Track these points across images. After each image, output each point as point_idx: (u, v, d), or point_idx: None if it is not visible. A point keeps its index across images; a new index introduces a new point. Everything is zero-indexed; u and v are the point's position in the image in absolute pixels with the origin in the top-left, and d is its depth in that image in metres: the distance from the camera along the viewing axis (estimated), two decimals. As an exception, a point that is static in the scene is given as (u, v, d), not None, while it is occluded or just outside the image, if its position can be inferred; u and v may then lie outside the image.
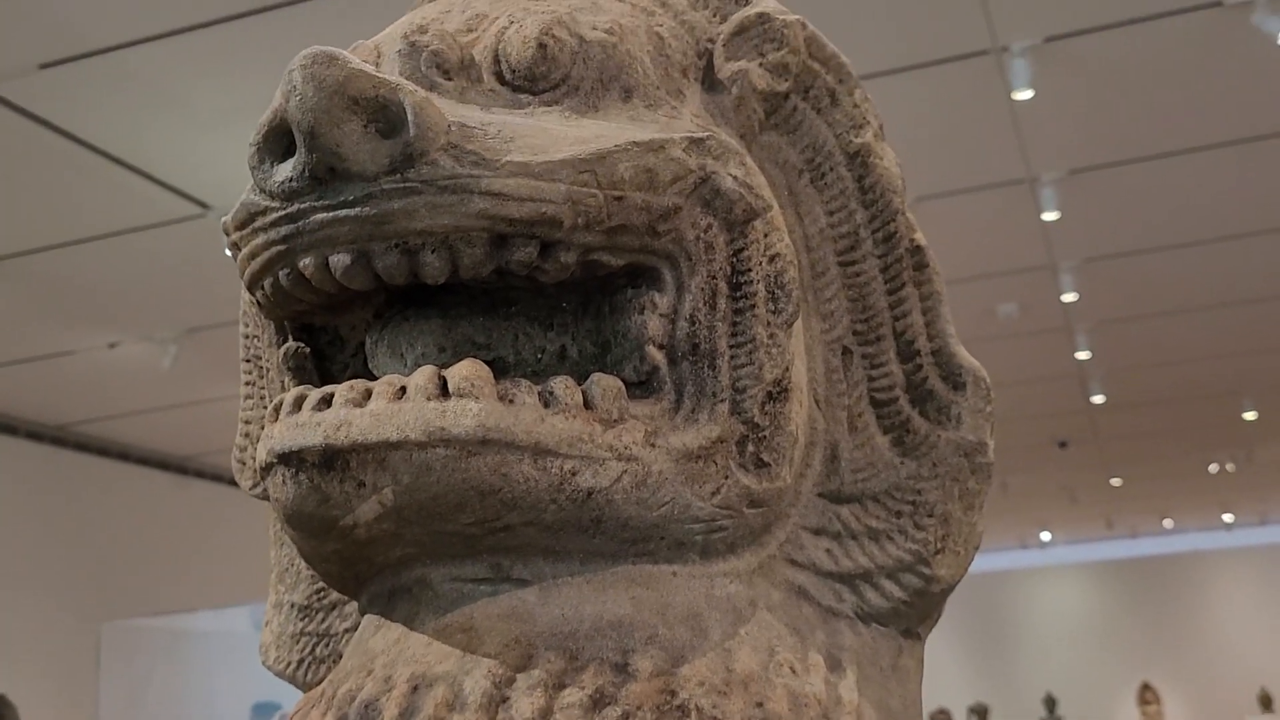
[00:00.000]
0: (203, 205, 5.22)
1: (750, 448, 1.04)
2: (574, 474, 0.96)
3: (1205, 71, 4.54)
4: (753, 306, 1.04)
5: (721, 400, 1.03)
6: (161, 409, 8.21)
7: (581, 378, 1.00)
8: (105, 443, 8.98)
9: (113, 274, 5.98)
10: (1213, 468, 12.85)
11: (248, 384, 1.29)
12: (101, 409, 8.24)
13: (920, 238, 1.15)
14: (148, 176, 4.95)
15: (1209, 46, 4.33)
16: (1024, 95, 4.46)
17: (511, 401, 0.95)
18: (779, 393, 1.05)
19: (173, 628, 9.35)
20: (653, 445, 0.99)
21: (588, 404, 0.98)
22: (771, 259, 1.05)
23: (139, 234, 5.48)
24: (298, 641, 1.28)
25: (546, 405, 0.96)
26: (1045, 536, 17.30)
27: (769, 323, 1.05)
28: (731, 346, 1.04)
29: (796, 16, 1.14)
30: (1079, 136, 5.01)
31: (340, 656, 1.22)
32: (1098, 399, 9.22)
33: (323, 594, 1.27)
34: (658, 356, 1.02)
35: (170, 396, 7.89)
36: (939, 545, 1.12)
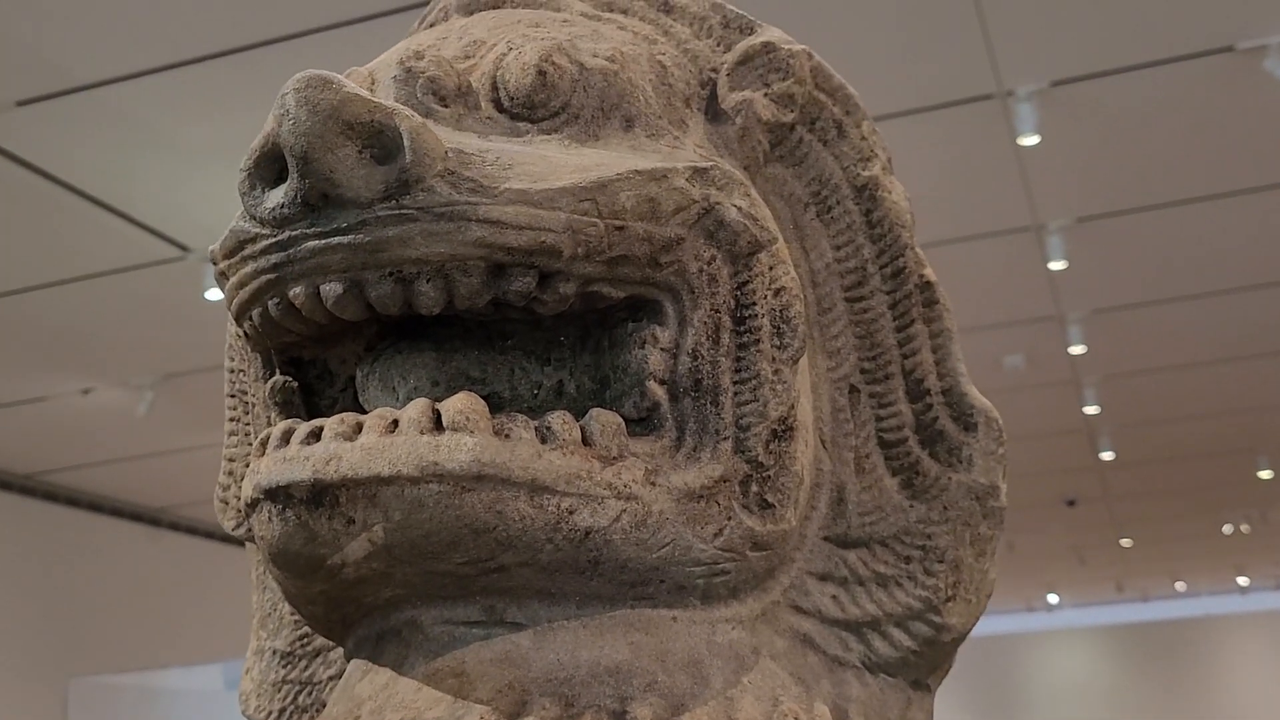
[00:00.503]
0: (182, 248, 5.18)
1: (754, 488, 1.01)
2: (571, 512, 0.93)
3: (1217, 118, 4.51)
4: (757, 341, 1.02)
5: (724, 438, 1.00)
6: (136, 458, 8.10)
7: (580, 414, 0.98)
8: (76, 492, 8.87)
9: (88, 317, 5.91)
10: (1226, 528, 12.75)
11: (232, 420, 1.26)
12: (73, 457, 8.13)
13: (930, 273, 1.12)
14: (126, 217, 4.91)
15: (1221, 92, 4.30)
16: (1030, 141, 4.43)
17: (508, 436, 0.93)
18: (784, 431, 1.03)
19: (143, 685, 9.20)
20: (653, 484, 0.97)
21: (586, 440, 0.96)
22: (776, 293, 1.03)
23: (116, 276, 5.42)
24: (279, 690, 1.25)
25: (544, 441, 0.94)
26: (1053, 599, 17.17)
27: (774, 358, 1.02)
28: (735, 383, 1.01)
29: (802, 46, 1.13)
30: (1086, 183, 5.00)
31: (323, 705, 1.19)
32: (1107, 455, 9.16)
33: (306, 640, 1.24)
34: (659, 392, 1.00)
35: (145, 445, 7.79)
36: (950, 592, 1.09)
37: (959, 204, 5.07)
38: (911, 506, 1.10)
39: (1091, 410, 7.97)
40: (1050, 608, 17.50)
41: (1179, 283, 6.06)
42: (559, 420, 0.95)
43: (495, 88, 1.04)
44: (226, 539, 9.04)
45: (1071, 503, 10.78)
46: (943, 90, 4.28)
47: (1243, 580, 16.53)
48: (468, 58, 1.06)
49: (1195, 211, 5.24)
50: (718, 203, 1.01)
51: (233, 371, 1.26)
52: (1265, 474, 10.10)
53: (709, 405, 1.00)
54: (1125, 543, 13.12)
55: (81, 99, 4.07)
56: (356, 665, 1.02)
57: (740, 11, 1.16)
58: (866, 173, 1.12)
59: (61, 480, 8.65)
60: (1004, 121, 4.43)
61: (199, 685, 9.44)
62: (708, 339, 1.00)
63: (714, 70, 1.13)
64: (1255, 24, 3.95)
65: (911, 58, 4.07)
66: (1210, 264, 5.84)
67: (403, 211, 0.90)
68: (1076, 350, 6.79)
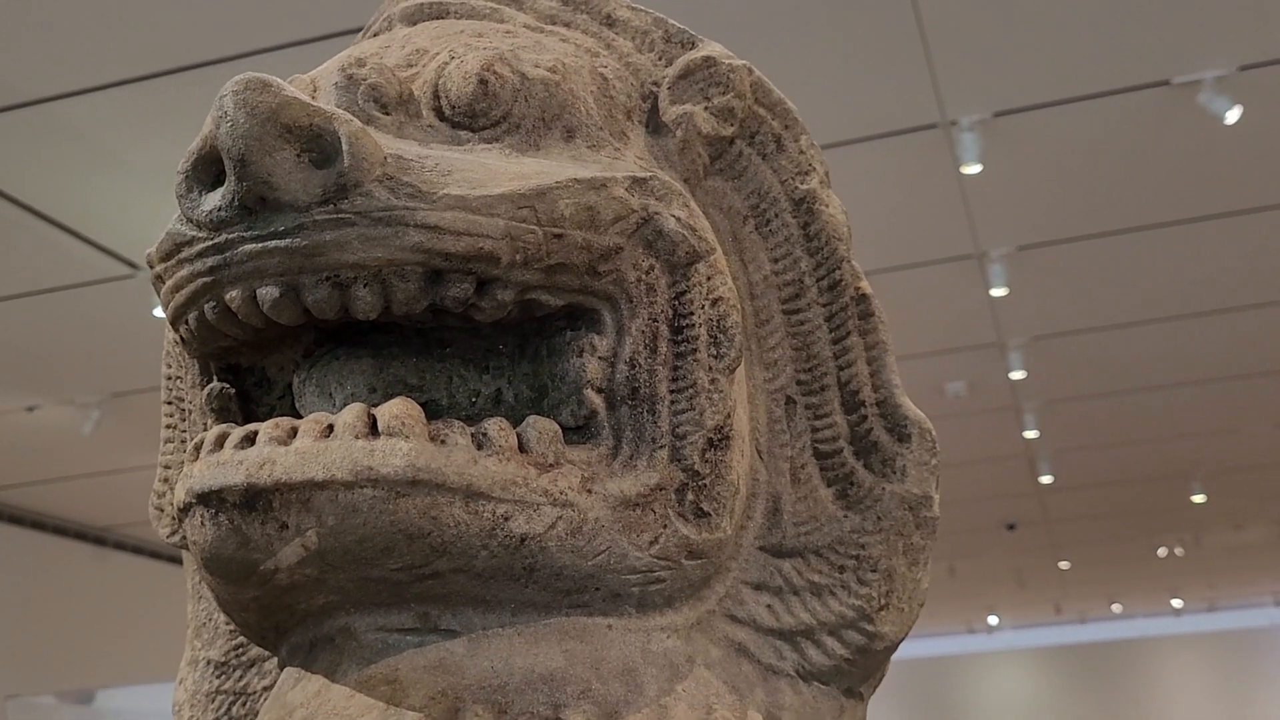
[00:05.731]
0: (131, 265, 5.10)
1: (690, 496, 1.02)
2: (507, 519, 0.93)
3: (1153, 150, 4.62)
4: (694, 351, 1.02)
5: (661, 446, 1.01)
6: (80, 476, 7.99)
7: (518, 422, 0.98)
8: (19, 510, 8.72)
9: (34, 334, 5.81)
10: (1161, 551, 12.95)
11: (169, 426, 1.25)
12: (17, 475, 7.99)
13: (866, 286, 1.13)
14: (73, 233, 4.84)
15: (1156, 125, 4.41)
16: (972, 169, 4.50)
17: (443, 442, 0.92)
18: (720, 440, 1.03)
19: (82, 706, 9.03)
20: (589, 491, 0.97)
21: (523, 448, 0.96)
22: (714, 303, 1.04)
23: (63, 293, 5.34)
24: (213, 700, 1.23)
25: (480, 447, 0.94)
26: (993, 620, 17.32)
27: (711, 368, 1.03)
28: (672, 391, 1.02)
29: (743, 61, 1.14)
30: (1027, 212, 5.08)
31: (257, 716, 1.17)
32: (1046, 479, 9.27)
33: (241, 650, 1.23)
34: (596, 400, 1.00)
35: (90, 464, 7.68)
36: (883, 601, 1.09)
37: (902, 231, 5.13)
38: (846, 516, 1.10)
39: (1031, 435, 8.07)
40: (990, 629, 17.65)
41: (1117, 310, 6.17)
42: (495, 427, 0.95)
43: (437, 96, 1.04)
44: (172, 558, 8.93)
45: (1011, 526, 10.89)
46: (888, 119, 4.33)
47: (1176, 602, 16.78)
48: (410, 66, 1.06)
49: (1133, 241, 5.34)
50: (656, 213, 1.02)
51: (170, 378, 1.25)
52: (1199, 498, 10.27)
53: (646, 414, 1.00)
54: (1063, 565, 13.27)
55: (29, 114, 4.01)
56: (289, 673, 1.00)
57: (682, 27, 1.17)
58: (804, 186, 1.13)
59: (4, 498, 8.49)
60: (947, 151, 4.50)
61: (136, 706, 9.26)
62: (645, 348, 1.01)
63: (655, 84, 1.14)
64: (1189, 60, 4.05)
65: (857, 87, 4.12)
66: (1147, 292, 5.95)
67: (340, 216, 0.90)
68: (1017, 376, 6.87)
